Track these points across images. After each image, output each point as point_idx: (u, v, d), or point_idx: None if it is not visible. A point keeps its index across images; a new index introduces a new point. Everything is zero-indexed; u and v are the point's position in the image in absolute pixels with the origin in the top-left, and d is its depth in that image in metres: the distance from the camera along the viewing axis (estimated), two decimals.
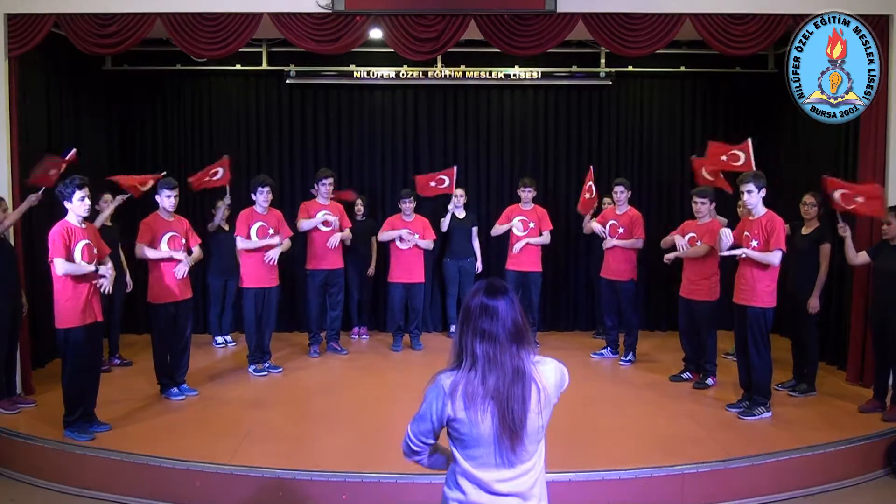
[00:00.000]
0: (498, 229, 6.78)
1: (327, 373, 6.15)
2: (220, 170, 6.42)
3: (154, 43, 6.64)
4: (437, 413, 1.93)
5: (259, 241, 5.85)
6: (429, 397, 1.96)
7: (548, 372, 1.98)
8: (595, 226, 6.44)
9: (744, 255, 4.77)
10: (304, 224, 6.34)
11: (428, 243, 6.80)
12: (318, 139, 7.63)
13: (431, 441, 2.02)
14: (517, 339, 1.92)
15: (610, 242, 6.25)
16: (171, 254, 5.13)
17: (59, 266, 4.29)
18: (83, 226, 4.46)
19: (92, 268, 4.39)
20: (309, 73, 7.32)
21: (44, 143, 5.97)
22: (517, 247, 6.61)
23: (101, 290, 4.48)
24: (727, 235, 4.88)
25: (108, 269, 4.51)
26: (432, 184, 6.96)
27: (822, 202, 5.25)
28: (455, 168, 6.98)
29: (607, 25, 5.62)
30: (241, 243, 5.89)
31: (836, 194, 5.05)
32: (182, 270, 5.15)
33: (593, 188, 6.79)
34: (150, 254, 5.11)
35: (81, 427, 4.42)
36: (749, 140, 5.64)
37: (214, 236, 6.64)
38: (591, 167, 6.96)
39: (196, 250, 5.39)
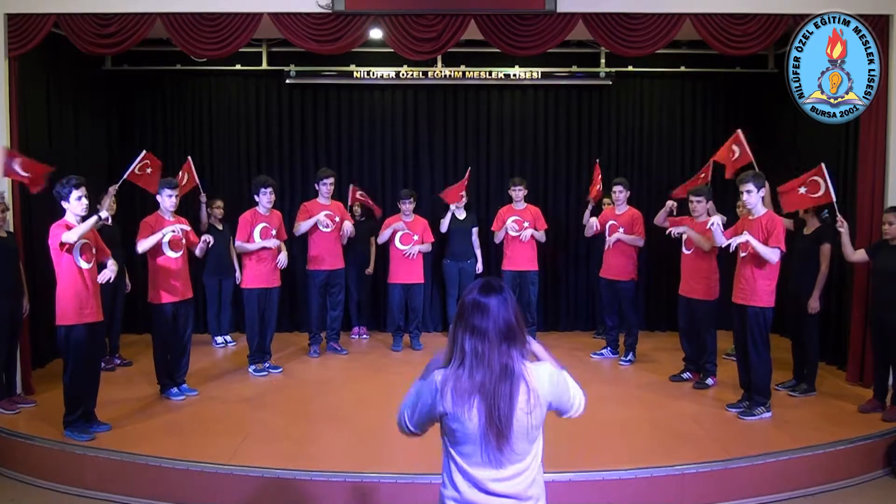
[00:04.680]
0: (499, 236, 6.80)
1: (327, 373, 6.15)
2: (185, 175, 6.44)
3: (154, 43, 6.63)
4: (427, 407, 1.95)
5: (256, 244, 5.84)
6: (420, 389, 1.98)
7: (542, 376, 1.97)
8: (592, 221, 6.44)
9: (745, 241, 4.70)
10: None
11: (427, 247, 6.81)
12: (318, 139, 7.63)
13: (416, 431, 2.03)
14: (508, 338, 1.92)
15: (613, 238, 6.25)
16: (164, 233, 5.04)
17: (69, 236, 4.24)
18: None
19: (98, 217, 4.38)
20: (309, 73, 7.32)
21: (44, 143, 5.98)
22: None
23: (102, 281, 4.46)
24: (718, 224, 4.84)
25: (112, 265, 4.52)
26: (461, 193, 6.99)
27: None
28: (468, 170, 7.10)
29: (607, 25, 5.62)
30: (240, 247, 5.92)
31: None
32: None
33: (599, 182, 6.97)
34: (147, 243, 5.03)
35: (81, 427, 4.42)
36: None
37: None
38: (597, 161, 7.11)
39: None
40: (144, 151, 5.92)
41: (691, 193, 5.64)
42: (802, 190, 5.16)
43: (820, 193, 5.07)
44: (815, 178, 5.08)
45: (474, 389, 1.89)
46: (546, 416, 2.00)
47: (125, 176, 5.76)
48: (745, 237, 4.72)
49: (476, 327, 1.92)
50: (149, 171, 5.87)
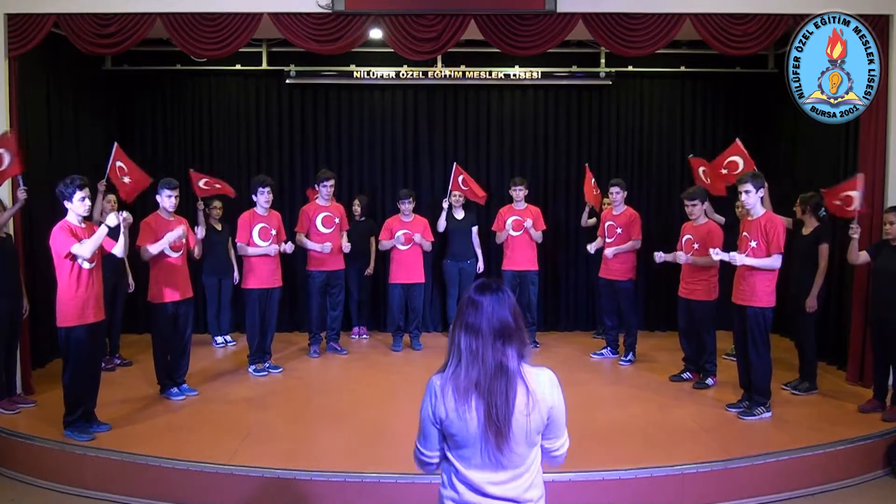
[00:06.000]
0: (501, 237, 6.79)
1: (327, 373, 6.15)
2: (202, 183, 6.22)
3: (154, 43, 6.63)
4: (433, 415, 1.93)
5: (257, 248, 5.84)
6: (424, 405, 1.96)
7: (542, 379, 1.95)
8: (591, 247, 6.49)
9: (741, 263, 4.76)
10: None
11: (427, 244, 6.80)
12: (318, 139, 7.64)
13: (431, 454, 1.99)
14: (503, 336, 1.90)
15: (610, 252, 6.25)
16: (169, 240, 5.05)
17: (81, 249, 4.25)
18: (83, 225, 4.46)
19: (108, 226, 4.38)
20: (309, 73, 7.32)
21: (44, 143, 5.98)
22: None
23: (118, 254, 4.59)
24: (716, 254, 4.89)
25: (121, 217, 4.48)
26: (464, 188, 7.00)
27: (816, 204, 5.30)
28: (455, 165, 7.04)
29: (607, 25, 5.62)
30: (240, 249, 5.91)
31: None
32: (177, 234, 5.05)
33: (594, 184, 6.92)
34: (154, 249, 5.05)
35: (81, 427, 4.42)
36: (738, 140, 5.85)
37: (207, 236, 6.60)
38: (587, 165, 7.04)
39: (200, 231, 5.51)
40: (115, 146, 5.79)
41: (685, 198, 5.62)
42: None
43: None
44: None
45: (471, 386, 1.88)
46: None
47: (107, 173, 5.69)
48: (742, 258, 4.75)
49: (470, 324, 1.91)
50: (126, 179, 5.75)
